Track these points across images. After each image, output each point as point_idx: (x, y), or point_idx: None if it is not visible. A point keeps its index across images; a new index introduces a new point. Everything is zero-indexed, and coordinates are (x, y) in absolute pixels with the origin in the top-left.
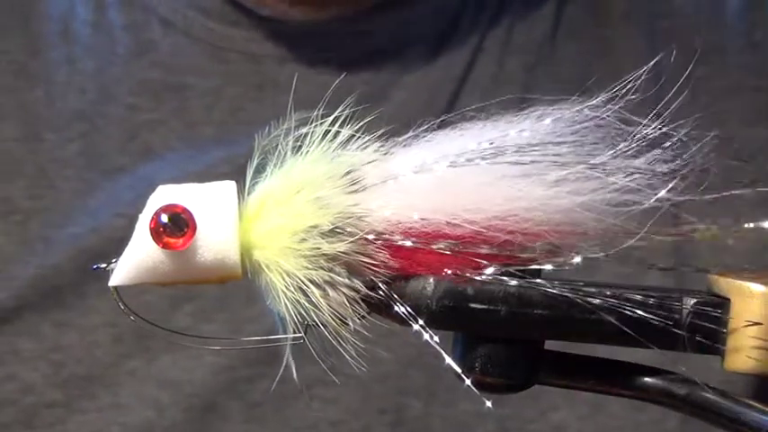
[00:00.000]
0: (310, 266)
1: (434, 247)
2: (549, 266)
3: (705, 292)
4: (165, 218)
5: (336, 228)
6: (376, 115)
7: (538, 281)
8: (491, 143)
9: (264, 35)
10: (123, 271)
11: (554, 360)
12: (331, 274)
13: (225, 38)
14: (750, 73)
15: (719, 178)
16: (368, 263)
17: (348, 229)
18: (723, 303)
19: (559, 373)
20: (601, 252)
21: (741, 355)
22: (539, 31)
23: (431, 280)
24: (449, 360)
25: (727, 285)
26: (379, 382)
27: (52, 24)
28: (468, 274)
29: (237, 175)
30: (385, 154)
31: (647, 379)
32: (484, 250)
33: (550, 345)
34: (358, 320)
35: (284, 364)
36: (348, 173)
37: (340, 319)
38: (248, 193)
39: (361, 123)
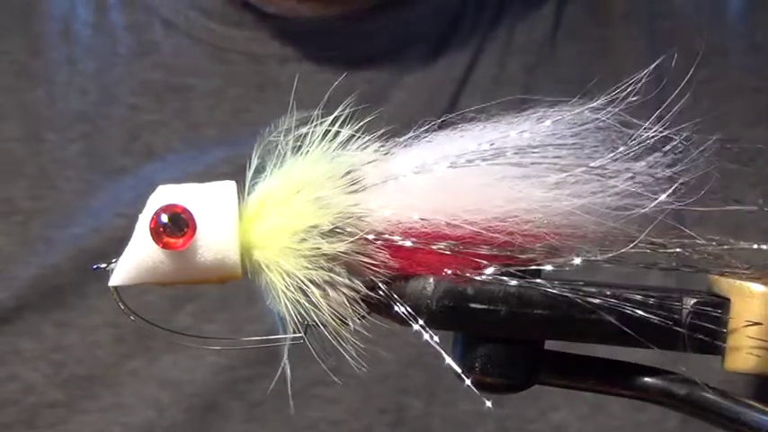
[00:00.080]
0: (310, 266)
1: (434, 247)
2: (548, 267)
3: (705, 292)
4: (165, 218)
5: (336, 228)
6: (376, 115)
7: (538, 281)
8: (491, 144)
9: (266, 35)
10: (123, 271)
11: (554, 360)
12: (331, 274)
13: (226, 38)
14: (751, 74)
15: (720, 182)
16: (368, 263)
17: (348, 229)
18: (723, 303)
19: (559, 373)
20: (600, 255)
21: (741, 354)
22: (539, 31)
23: (431, 280)
24: (449, 360)
25: (728, 285)
26: (380, 382)
27: (53, 25)
28: (468, 274)
29: (239, 175)
30: (385, 154)
31: (647, 379)
32: (484, 251)
33: (550, 345)
34: (358, 320)
35: (284, 365)
36: (348, 173)
37: (340, 319)
38: (248, 193)
39: (361, 123)
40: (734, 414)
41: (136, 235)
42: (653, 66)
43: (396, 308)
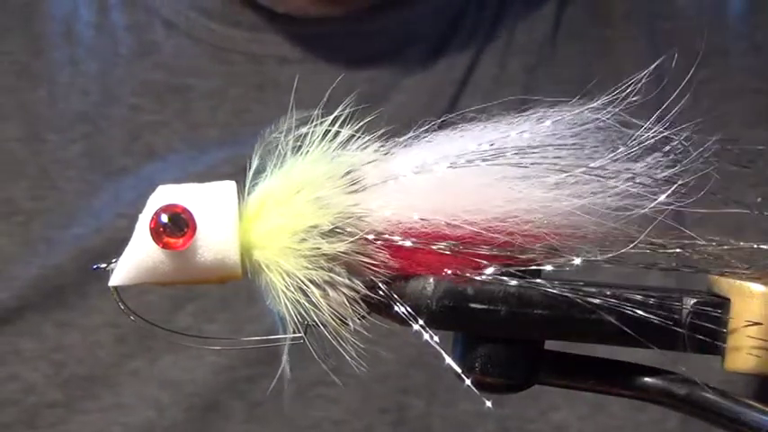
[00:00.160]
0: (310, 266)
1: (434, 247)
2: (548, 267)
3: (705, 292)
4: (165, 218)
5: (336, 228)
6: (376, 115)
7: (538, 281)
8: (491, 144)
9: (267, 36)
10: (123, 271)
11: (554, 360)
12: (331, 274)
13: (227, 39)
14: (752, 75)
15: (720, 182)
16: (368, 263)
17: (348, 229)
18: (723, 303)
19: (559, 373)
20: (600, 255)
21: (741, 354)
22: (539, 31)
23: (431, 280)
24: (449, 360)
25: (728, 285)
26: (380, 382)
27: (55, 25)
28: (468, 274)
29: (239, 175)
30: (385, 154)
31: (647, 379)
32: (484, 251)
33: (550, 345)
34: (358, 320)
35: (285, 365)
36: (348, 173)
37: (340, 319)
38: (248, 193)
39: (361, 123)
40: (734, 414)
41: (136, 235)
42: (653, 66)
43: (396, 308)
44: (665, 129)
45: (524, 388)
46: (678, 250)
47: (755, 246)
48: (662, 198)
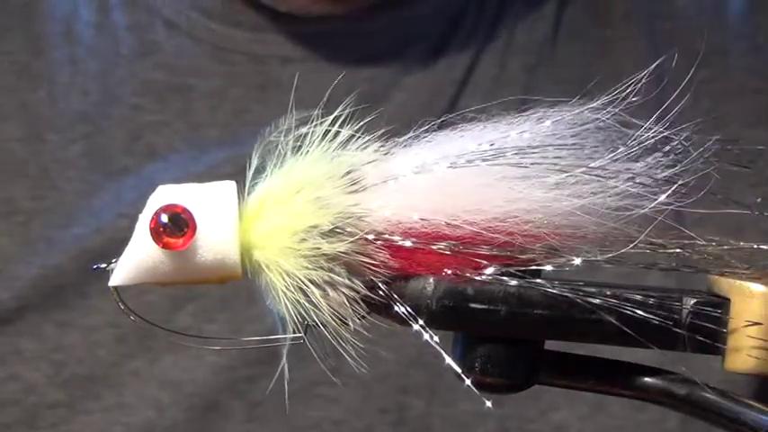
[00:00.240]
0: (310, 266)
1: (434, 247)
2: (548, 267)
3: (705, 292)
4: (165, 218)
5: (336, 228)
6: (377, 115)
7: (538, 281)
8: (491, 144)
9: (267, 35)
10: (123, 271)
11: (554, 360)
12: (331, 275)
13: (227, 39)
14: (752, 75)
15: (720, 182)
16: (368, 263)
17: (348, 229)
18: (723, 303)
19: (559, 373)
20: (600, 255)
21: (741, 354)
22: (539, 31)
23: (431, 280)
24: (449, 360)
25: (728, 285)
26: (381, 382)
27: (55, 25)
28: (468, 274)
29: (240, 175)
30: (385, 154)
31: (647, 379)
32: (484, 251)
33: (550, 345)
34: (358, 320)
35: (284, 365)
36: (348, 173)
37: (340, 319)
38: (249, 193)
39: (361, 123)
40: (734, 414)
41: (136, 235)
42: (653, 66)
43: (396, 308)
44: (665, 129)
45: (524, 388)
46: (678, 250)
47: (755, 246)
48: (662, 198)
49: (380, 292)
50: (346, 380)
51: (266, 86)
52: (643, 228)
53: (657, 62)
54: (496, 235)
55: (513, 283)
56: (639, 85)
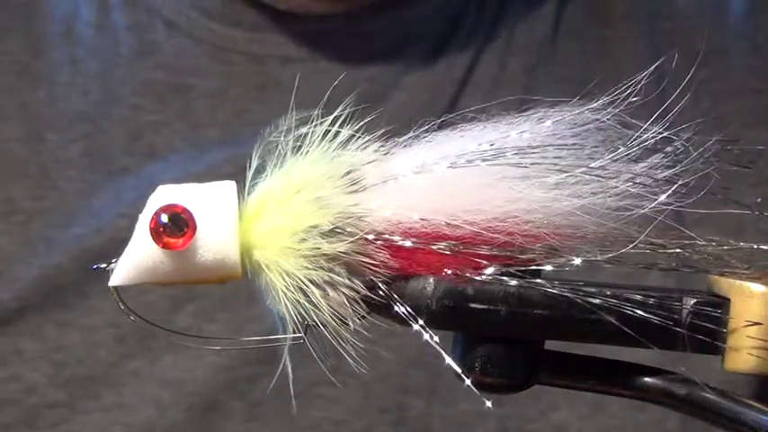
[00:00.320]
0: (310, 266)
1: (434, 247)
2: (548, 267)
3: (705, 292)
4: (164, 218)
5: (336, 228)
6: (377, 115)
7: (538, 281)
8: (491, 144)
9: (267, 35)
10: (123, 271)
11: (554, 360)
12: (331, 275)
13: (227, 39)
14: (752, 76)
15: (720, 182)
16: (368, 263)
17: (348, 229)
18: (723, 303)
19: (559, 373)
20: (600, 255)
21: (741, 354)
22: (539, 31)
23: (431, 280)
24: (449, 360)
25: (728, 285)
26: (381, 382)
27: (55, 25)
28: (468, 274)
29: (240, 175)
30: (385, 154)
31: (647, 379)
32: (484, 251)
33: (550, 345)
34: (358, 320)
35: (284, 365)
36: (348, 173)
37: (340, 320)
38: (249, 193)
39: (361, 123)
40: (734, 414)
41: (136, 235)
42: (653, 67)
43: (396, 308)
44: (665, 129)
45: (524, 388)
46: (678, 250)
47: (755, 246)
48: (662, 198)
49: (380, 292)
50: (346, 380)
51: (266, 86)
52: (643, 228)
53: (657, 63)
54: (496, 235)
55: (513, 283)
56: (640, 85)
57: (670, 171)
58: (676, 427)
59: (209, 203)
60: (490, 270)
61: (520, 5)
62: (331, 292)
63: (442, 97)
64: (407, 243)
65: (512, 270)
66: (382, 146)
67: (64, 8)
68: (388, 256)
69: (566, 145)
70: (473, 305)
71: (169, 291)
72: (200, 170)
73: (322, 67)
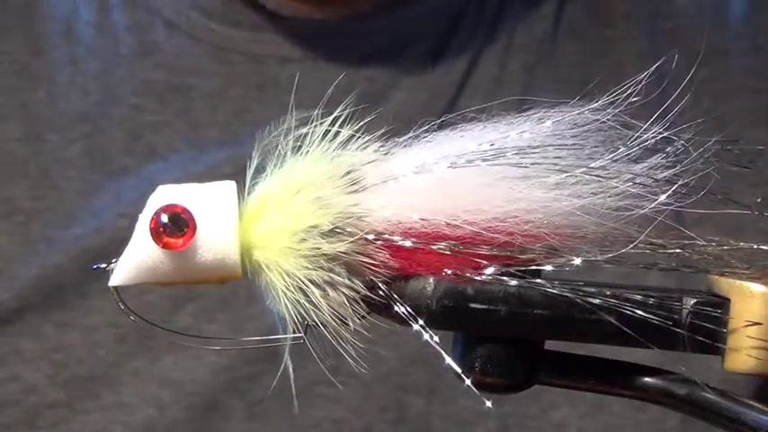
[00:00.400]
0: (310, 266)
1: (434, 247)
2: (548, 267)
3: (705, 292)
4: (164, 218)
5: (336, 228)
6: (376, 115)
7: (538, 281)
8: (491, 144)
9: (267, 35)
10: (123, 271)
11: (554, 360)
12: (331, 274)
13: (227, 39)
14: (752, 76)
15: (720, 183)
16: (368, 263)
17: (348, 229)
18: (723, 303)
19: (559, 373)
20: (600, 255)
21: (741, 354)
22: (539, 30)
23: (431, 280)
24: (449, 360)
25: (728, 285)
26: (381, 381)
27: (55, 25)
28: (468, 274)
29: (240, 175)
30: (385, 154)
31: (647, 379)
32: (484, 251)
33: (550, 345)
34: (358, 320)
35: (284, 365)
36: (348, 173)
37: (340, 319)
38: (248, 193)
39: (361, 123)
40: (734, 414)
41: (136, 235)
42: (654, 67)
43: (396, 308)
44: (665, 129)
45: (524, 388)
46: (678, 250)
47: (755, 246)
48: (662, 198)
49: (380, 292)
50: (346, 379)
51: (265, 86)
52: (643, 228)
53: (658, 63)
54: (496, 235)
55: (513, 283)
56: (640, 85)
57: (670, 171)
58: (676, 426)
59: (210, 203)
60: (490, 270)
61: (520, 5)
62: (331, 292)
63: (442, 97)
64: (407, 243)
65: (512, 270)
66: (382, 146)
67: (64, 8)
68: (388, 256)
69: (566, 145)
70: (473, 305)
71: (169, 290)
72: (200, 170)
73: (321, 67)
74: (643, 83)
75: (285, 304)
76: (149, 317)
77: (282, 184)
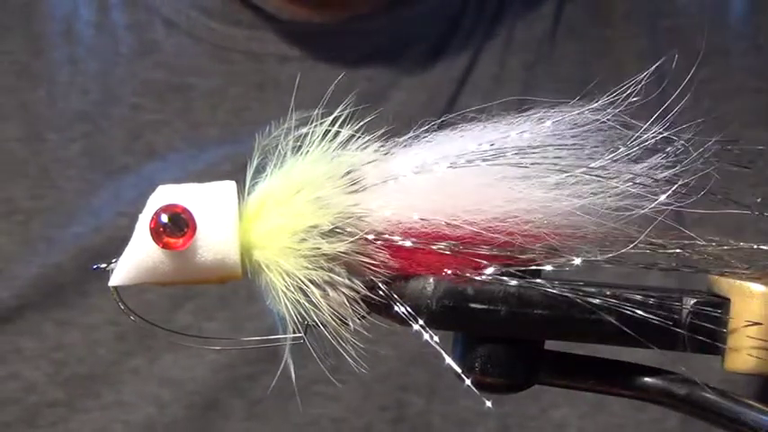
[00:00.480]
0: (310, 266)
1: (434, 247)
2: (548, 267)
3: (705, 292)
4: (164, 218)
5: (336, 228)
6: (376, 115)
7: (538, 281)
8: (491, 144)
9: (267, 34)
10: (123, 271)
11: (554, 360)
12: (331, 275)
13: (227, 38)
14: (752, 75)
15: (720, 183)
16: (368, 263)
17: (348, 229)
18: (723, 303)
19: (559, 373)
20: (600, 255)
21: (741, 354)
22: (538, 29)
23: (431, 280)
24: (449, 360)
25: (728, 285)
26: (381, 380)
27: (55, 25)
28: (468, 274)
29: (240, 174)
30: (385, 154)
31: (647, 379)
32: (484, 251)
33: (550, 345)
34: (358, 320)
35: (290, 365)
36: (348, 173)
37: (340, 319)
38: (248, 193)
39: (361, 123)
40: (734, 414)
41: (136, 235)
42: (654, 67)
43: (396, 308)
44: (665, 129)
45: (524, 388)
46: (678, 250)
47: (755, 246)
48: (662, 198)
49: (380, 292)
50: (346, 378)
51: (265, 85)
52: (643, 228)
53: (658, 63)
54: (496, 235)
55: (513, 283)
56: (640, 85)
57: (670, 171)
58: (676, 426)
59: (209, 203)
60: (490, 270)
61: (519, 5)
62: (331, 292)
63: (442, 97)
64: (407, 243)
65: (512, 270)
66: (382, 146)
67: (64, 8)
68: (388, 256)
69: (566, 145)
70: (473, 305)
71: (168, 289)
72: (199, 169)
73: (320, 66)
74: (643, 83)
75: (285, 304)
76: (149, 316)
77: (282, 183)
